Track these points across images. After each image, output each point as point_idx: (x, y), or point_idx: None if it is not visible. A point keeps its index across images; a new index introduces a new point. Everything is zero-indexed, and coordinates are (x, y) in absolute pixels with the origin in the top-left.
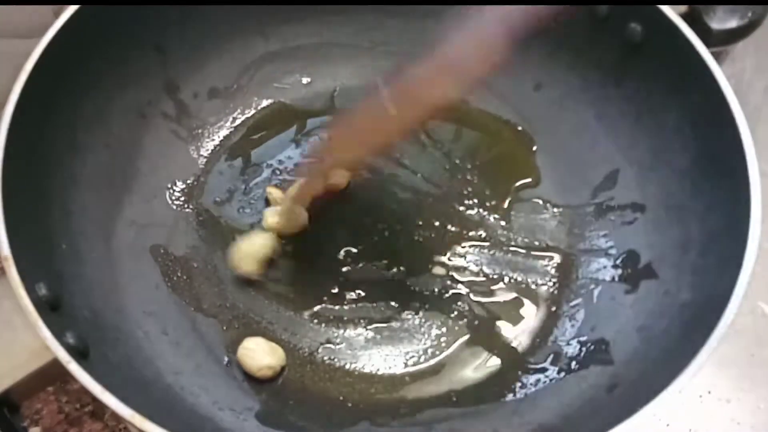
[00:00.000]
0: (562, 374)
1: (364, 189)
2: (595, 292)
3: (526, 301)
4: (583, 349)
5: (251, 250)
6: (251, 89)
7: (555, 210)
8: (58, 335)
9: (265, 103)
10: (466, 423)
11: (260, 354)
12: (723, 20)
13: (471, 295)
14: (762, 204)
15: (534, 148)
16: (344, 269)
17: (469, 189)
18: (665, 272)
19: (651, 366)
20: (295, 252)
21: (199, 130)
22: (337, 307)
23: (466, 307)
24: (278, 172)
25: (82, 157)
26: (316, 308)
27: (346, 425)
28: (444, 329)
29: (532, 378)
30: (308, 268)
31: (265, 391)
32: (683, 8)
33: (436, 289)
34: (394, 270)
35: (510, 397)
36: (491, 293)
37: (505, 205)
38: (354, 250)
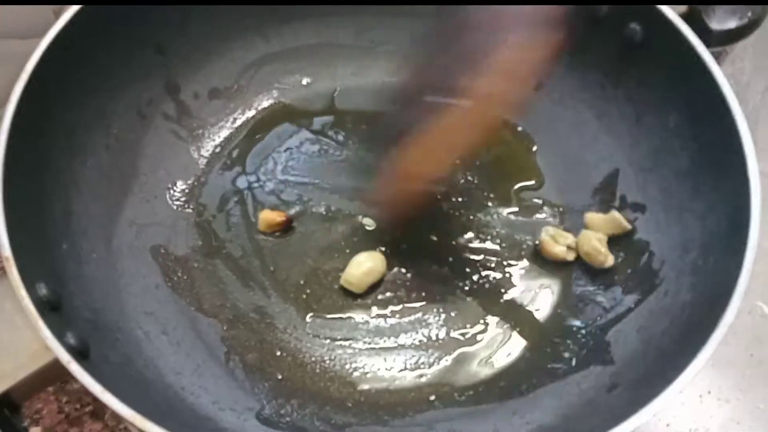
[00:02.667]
0: (563, 374)
1: None
2: (595, 293)
3: (526, 301)
4: (584, 349)
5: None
6: (252, 90)
7: (555, 210)
8: (59, 335)
9: (265, 103)
10: (466, 423)
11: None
12: (722, 20)
13: (472, 296)
14: (761, 204)
15: (534, 148)
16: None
17: (470, 190)
18: (665, 272)
19: (651, 366)
20: (297, 253)
21: (200, 131)
22: (338, 307)
23: (468, 308)
24: (278, 173)
25: (82, 158)
26: (317, 309)
27: (346, 425)
28: (445, 329)
29: (533, 377)
30: (310, 269)
31: (266, 391)
32: (683, 8)
33: (438, 290)
34: (395, 270)
35: (511, 396)
36: (492, 294)
37: (505, 205)
38: (355, 251)
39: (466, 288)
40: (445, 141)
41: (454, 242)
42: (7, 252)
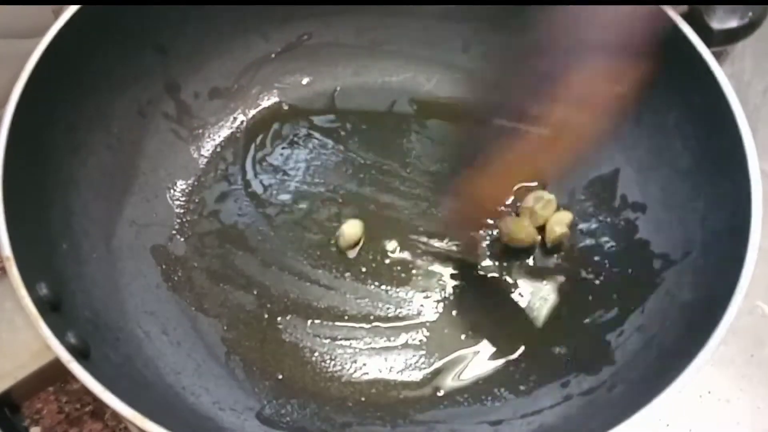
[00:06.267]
0: (564, 374)
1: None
2: (596, 293)
3: (527, 301)
4: (584, 349)
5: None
6: (252, 89)
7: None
8: (59, 335)
9: (265, 103)
10: (466, 423)
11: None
12: (723, 20)
13: (473, 296)
14: (763, 204)
15: None
16: (347, 273)
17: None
18: (666, 272)
19: (651, 366)
20: (297, 253)
21: (200, 130)
22: (339, 309)
23: (469, 308)
24: (278, 172)
25: (82, 157)
26: (318, 309)
27: (346, 425)
28: (446, 330)
29: (533, 377)
30: (310, 268)
31: (266, 390)
32: (683, 8)
33: (438, 290)
34: (397, 269)
35: (511, 396)
36: (493, 294)
37: (506, 205)
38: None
39: (466, 288)
40: (511, 170)
41: (455, 243)
42: (8, 252)
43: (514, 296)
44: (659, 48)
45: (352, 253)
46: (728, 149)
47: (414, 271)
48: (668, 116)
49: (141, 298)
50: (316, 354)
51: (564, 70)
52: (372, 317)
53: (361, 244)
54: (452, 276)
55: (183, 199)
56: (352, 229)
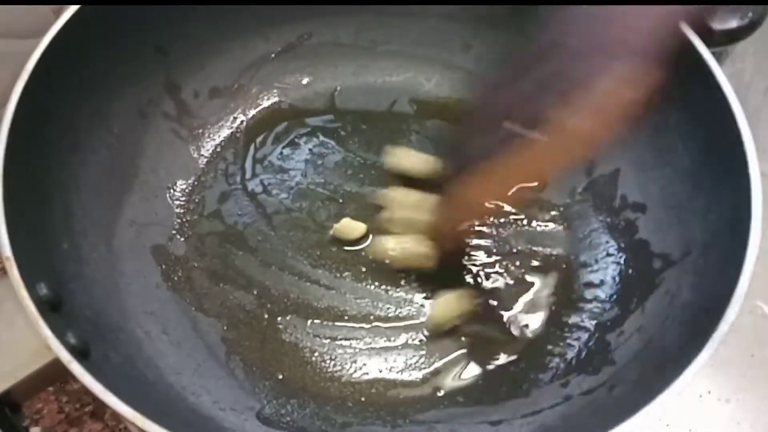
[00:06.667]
0: (563, 374)
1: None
2: (596, 293)
3: (527, 301)
4: (584, 349)
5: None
6: (252, 89)
7: (555, 211)
8: (60, 335)
9: (265, 102)
10: (466, 423)
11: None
12: (723, 20)
13: (472, 297)
14: (762, 204)
15: None
16: (347, 273)
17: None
18: (666, 272)
19: (651, 366)
20: (296, 253)
21: (200, 130)
22: (339, 309)
23: (468, 308)
24: (278, 172)
25: (83, 157)
26: (318, 309)
27: (346, 426)
28: (446, 330)
29: (533, 377)
30: (310, 268)
31: (266, 390)
32: None
33: (438, 290)
34: (398, 270)
35: (511, 396)
36: (492, 295)
37: (506, 206)
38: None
39: (466, 288)
40: (515, 176)
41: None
42: (8, 252)
43: (513, 297)
44: (671, 53)
45: (349, 246)
46: (728, 149)
47: (413, 271)
48: (668, 117)
49: (141, 298)
50: (316, 354)
51: (577, 74)
52: (372, 317)
53: (366, 243)
54: (452, 276)
55: (183, 199)
56: (351, 224)
